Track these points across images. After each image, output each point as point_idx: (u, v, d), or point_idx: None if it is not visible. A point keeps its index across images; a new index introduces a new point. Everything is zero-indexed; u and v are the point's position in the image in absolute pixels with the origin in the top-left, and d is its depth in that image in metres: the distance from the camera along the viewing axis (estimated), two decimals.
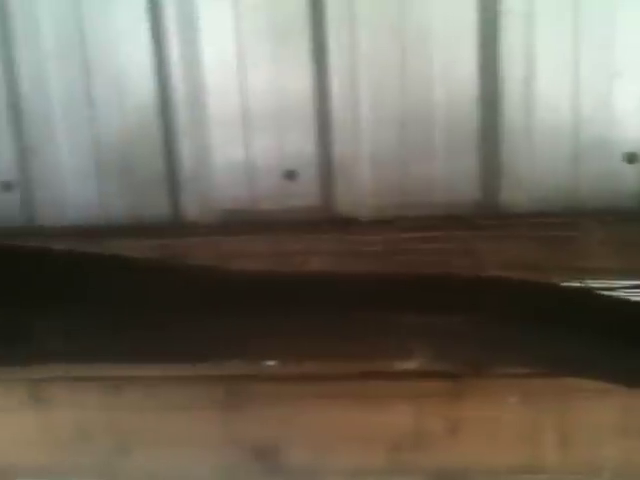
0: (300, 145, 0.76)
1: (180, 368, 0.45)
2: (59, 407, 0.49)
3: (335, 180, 0.76)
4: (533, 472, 0.48)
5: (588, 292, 0.47)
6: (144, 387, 0.47)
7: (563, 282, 0.52)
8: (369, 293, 0.40)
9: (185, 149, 0.78)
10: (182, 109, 0.77)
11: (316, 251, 0.69)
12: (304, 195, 0.77)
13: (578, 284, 0.53)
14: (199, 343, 0.38)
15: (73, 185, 0.80)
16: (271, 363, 0.46)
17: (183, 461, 0.49)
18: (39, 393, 0.48)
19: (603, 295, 0.46)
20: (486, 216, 0.73)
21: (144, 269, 0.34)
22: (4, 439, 0.50)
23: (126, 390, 0.47)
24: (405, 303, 0.38)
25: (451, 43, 0.73)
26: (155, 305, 0.34)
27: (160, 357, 0.39)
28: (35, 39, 0.76)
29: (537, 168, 0.73)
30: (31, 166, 0.80)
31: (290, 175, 0.77)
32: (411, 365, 0.44)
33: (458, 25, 0.73)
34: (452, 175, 0.75)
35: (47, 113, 0.78)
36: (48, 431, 0.49)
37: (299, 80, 0.74)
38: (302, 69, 0.74)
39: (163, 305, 0.34)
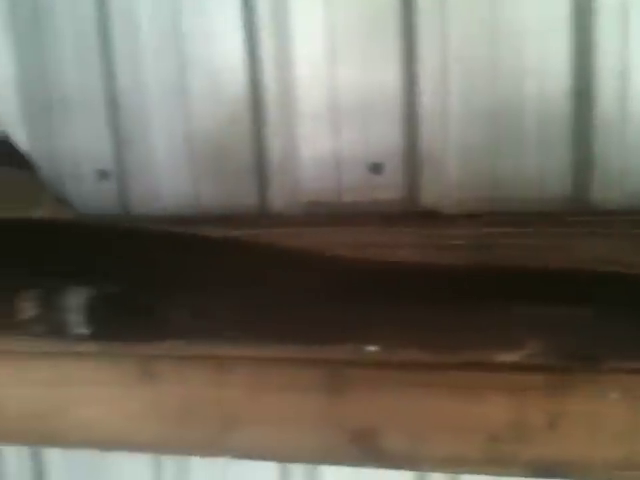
0: (386, 138, 0.77)
1: (287, 350, 0.47)
2: (168, 383, 0.51)
3: (421, 173, 0.77)
4: (633, 469, 0.48)
5: None
6: (251, 367, 0.49)
7: None
8: (479, 284, 0.41)
9: (274, 142, 0.80)
10: (272, 103, 0.79)
11: (401, 244, 0.69)
12: (389, 187, 0.78)
13: None
14: (314, 326, 0.39)
15: (166, 175, 0.83)
16: (373, 349, 0.47)
17: (284, 440, 0.51)
18: (150, 369, 0.51)
19: None
20: (577, 212, 0.72)
21: (261, 253, 0.36)
22: (115, 412, 0.53)
23: (233, 369, 0.50)
24: (517, 295, 0.39)
25: (543, 36, 0.72)
26: (271, 287, 0.36)
27: (275, 338, 0.40)
28: (134, 35, 0.79)
29: (631, 163, 0.72)
30: (127, 156, 0.83)
31: (375, 168, 0.78)
32: (514, 357, 0.44)
33: (551, 18, 0.72)
34: (542, 170, 0.74)
35: (143, 106, 0.81)
36: (156, 406, 0.52)
37: (388, 73, 0.75)
38: (391, 63, 0.74)
39: (279, 287, 0.36)
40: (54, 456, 0.89)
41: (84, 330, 0.42)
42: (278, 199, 0.82)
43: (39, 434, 0.53)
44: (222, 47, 0.77)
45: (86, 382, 0.52)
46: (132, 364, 0.51)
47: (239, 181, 0.81)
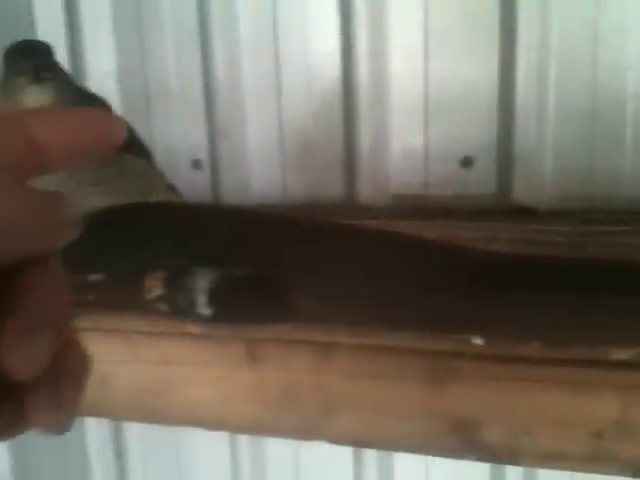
0: (479, 132, 0.76)
1: (395, 339, 0.48)
2: (272, 367, 0.53)
3: (514, 169, 0.76)
4: None
5: None
6: (354, 354, 0.50)
7: None
8: (591, 277, 0.41)
9: (364, 134, 0.81)
10: (364, 97, 0.80)
11: (493, 239, 0.69)
12: (480, 183, 0.77)
13: None
14: (426, 316, 0.40)
15: (257, 166, 0.85)
16: (480, 342, 0.47)
17: (384, 428, 0.52)
18: (255, 352, 0.52)
19: None
20: None
21: (381, 240, 0.37)
22: (219, 393, 0.55)
23: (337, 356, 0.51)
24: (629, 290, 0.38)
25: None
26: (389, 274, 0.37)
27: (388, 326, 0.41)
28: (232, 30, 0.82)
29: None
30: (220, 147, 0.86)
31: (466, 162, 0.78)
32: (625, 355, 0.44)
33: None
34: (638, 168, 0.72)
35: (238, 98, 0.83)
36: (259, 389, 0.54)
37: (484, 69, 0.74)
38: (488, 59, 0.74)
39: (397, 275, 0.37)
40: (134, 431, 0.93)
41: (207, 311, 0.44)
42: (365, 191, 0.83)
43: (147, 411, 0.56)
44: (318, 41, 0.79)
45: (193, 362, 0.54)
46: (239, 346, 0.53)
47: (327, 173, 0.82)
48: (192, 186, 0.87)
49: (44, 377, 0.17)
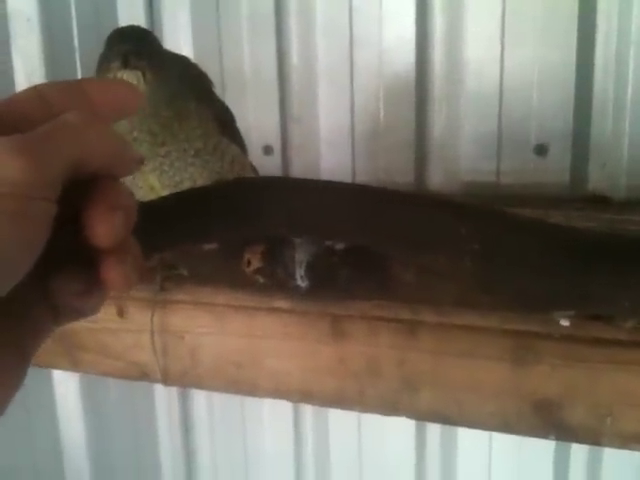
0: (555, 120, 0.76)
1: (478, 318, 0.49)
2: (355, 342, 0.55)
3: (589, 157, 0.76)
4: None
5: None
6: (438, 332, 0.52)
7: None
8: None
9: (436, 120, 0.82)
10: (437, 82, 0.80)
11: None
12: (554, 171, 0.77)
13: None
14: (519, 296, 0.41)
15: (327, 150, 0.86)
16: (566, 323, 0.48)
17: (465, 405, 0.53)
18: (341, 328, 0.54)
19: None
20: None
21: (486, 217, 0.38)
22: (304, 366, 0.57)
23: (421, 333, 0.52)
24: None
25: None
26: (490, 252, 0.37)
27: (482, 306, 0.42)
28: (307, 15, 0.83)
29: None
30: (291, 132, 0.88)
31: (540, 150, 0.78)
32: None
33: None
34: None
35: (311, 84, 0.85)
36: (342, 363, 0.55)
37: (561, 56, 0.74)
38: (566, 46, 0.74)
39: (498, 253, 0.37)
40: (200, 399, 0.96)
41: (304, 283, 0.46)
42: (435, 177, 0.84)
43: (233, 382, 0.58)
44: (392, 26, 0.79)
45: (280, 336, 0.56)
46: (324, 322, 0.54)
47: (397, 158, 0.83)
48: (262, 171, 0.89)
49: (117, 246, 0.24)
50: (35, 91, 0.26)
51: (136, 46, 0.48)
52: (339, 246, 0.42)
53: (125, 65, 0.47)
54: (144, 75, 0.48)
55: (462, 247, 0.36)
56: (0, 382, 0.25)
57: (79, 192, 0.24)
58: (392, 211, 0.37)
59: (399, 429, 0.84)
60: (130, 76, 0.48)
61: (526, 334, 0.49)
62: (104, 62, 0.50)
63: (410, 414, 0.54)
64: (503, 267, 0.37)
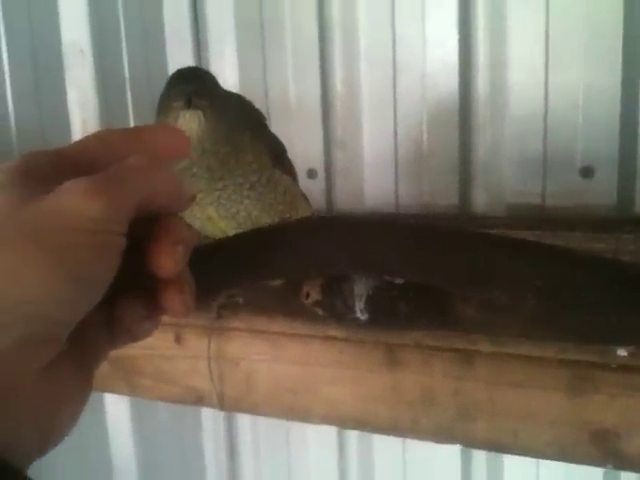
0: (600, 142, 0.76)
1: (535, 348, 0.49)
2: (409, 371, 0.55)
3: (636, 179, 0.76)
4: None
5: None
6: (494, 362, 0.52)
7: None
8: None
9: (480, 143, 0.82)
10: (481, 106, 0.81)
11: (621, 251, 0.69)
12: (600, 193, 0.77)
13: None
14: (578, 327, 0.41)
15: (371, 175, 0.87)
16: (624, 353, 0.48)
17: (521, 433, 0.53)
18: (395, 357, 0.55)
19: None
20: None
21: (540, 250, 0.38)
22: (358, 394, 0.57)
23: (476, 363, 0.53)
24: None
25: None
26: (551, 285, 0.38)
27: (545, 337, 0.43)
28: (350, 42, 0.84)
29: None
30: (335, 157, 0.89)
31: (586, 172, 0.77)
32: None
33: None
34: None
35: (355, 109, 0.86)
36: (396, 392, 0.56)
37: (607, 77, 0.74)
38: (611, 67, 0.74)
39: (557, 285, 0.38)
40: (245, 423, 0.98)
41: (364, 316, 0.47)
42: (480, 200, 0.84)
43: (288, 408, 0.60)
44: (435, 51, 0.80)
45: (333, 364, 0.57)
46: (378, 350, 0.55)
47: (441, 181, 0.84)
48: (306, 195, 0.90)
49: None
50: (98, 137, 0.28)
51: (197, 86, 0.50)
52: (399, 280, 0.43)
53: (188, 105, 0.49)
54: (205, 114, 0.50)
55: (524, 284, 0.37)
56: (71, 404, 0.27)
57: (139, 226, 0.27)
58: (453, 249, 0.38)
59: (445, 455, 0.84)
60: (192, 115, 0.49)
61: (583, 364, 0.49)
62: (165, 101, 0.52)
63: (465, 443, 0.55)
64: (565, 304, 0.37)
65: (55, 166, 0.26)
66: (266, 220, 0.57)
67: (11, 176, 0.25)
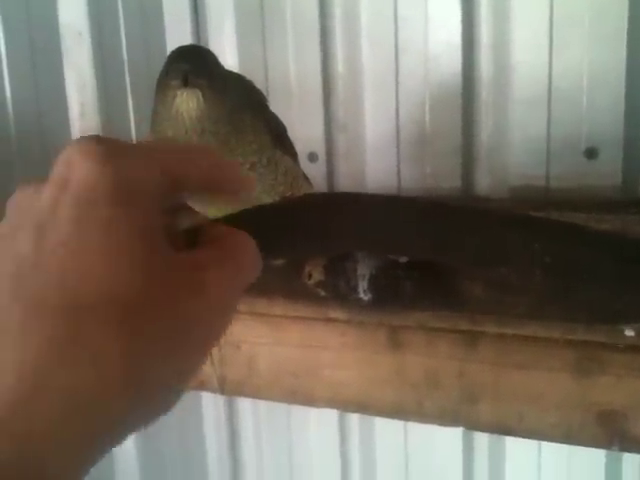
0: (605, 123, 0.75)
1: (541, 329, 0.48)
2: (413, 353, 0.55)
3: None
4: None
5: None
6: (499, 343, 0.51)
7: None
8: None
9: (483, 125, 0.81)
10: (485, 87, 0.80)
11: (627, 232, 0.68)
12: (605, 175, 0.76)
13: None
14: (579, 307, 0.40)
15: (373, 157, 0.86)
16: (632, 334, 0.47)
17: (526, 416, 0.52)
18: (398, 338, 0.54)
19: None
20: None
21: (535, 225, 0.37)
22: (361, 377, 0.57)
23: (481, 344, 0.52)
24: None
25: None
26: (550, 263, 0.37)
27: (546, 317, 0.42)
28: (352, 22, 0.83)
29: None
30: (336, 139, 0.88)
31: (591, 153, 0.76)
32: None
33: None
34: None
35: (356, 91, 0.85)
36: (401, 374, 0.55)
37: (611, 59, 0.73)
38: (616, 48, 0.73)
39: (557, 263, 0.37)
40: (246, 406, 0.97)
41: (367, 296, 0.46)
42: (483, 182, 0.83)
43: (290, 392, 0.59)
44: (438, 32, 0.79)
45: (336, 346, 0.56)
46: (382, 332, 0.55)
47: (444, 163, 0.83)
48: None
49: None
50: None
51: (195, 65, 0.49)
52: (403, 259, 0.42)
53: (185, 84, 0.48)
54: (203, 93, 0.49)
55: (533, 261, 0.36)
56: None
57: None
58: (461, 226, 0.37)
59: (446, 436, 0.84)
60: (190, 94, 0.48)
61: (590, 344, 0.49)
62: (163, 79, 0.51)
63: (470, 425, 0.54)
64: (574, 280, 0.36)
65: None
66: (267, 201, 0.56)
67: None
